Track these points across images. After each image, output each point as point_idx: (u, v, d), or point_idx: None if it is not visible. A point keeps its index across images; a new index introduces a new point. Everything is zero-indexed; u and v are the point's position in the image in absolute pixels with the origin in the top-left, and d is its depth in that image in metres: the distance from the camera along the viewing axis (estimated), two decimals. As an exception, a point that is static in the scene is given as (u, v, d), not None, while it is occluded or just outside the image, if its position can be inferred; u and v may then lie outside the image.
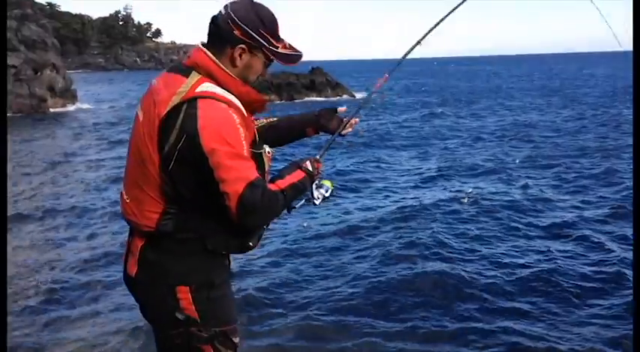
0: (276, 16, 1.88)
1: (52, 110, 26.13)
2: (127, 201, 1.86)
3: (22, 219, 7.64)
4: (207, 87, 1.75)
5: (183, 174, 1.73)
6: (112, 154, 13.66)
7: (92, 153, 14.25)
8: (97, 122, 21.74)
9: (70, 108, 27.75)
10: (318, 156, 2.08)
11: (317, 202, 2.01)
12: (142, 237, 1.85)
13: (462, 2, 2.53)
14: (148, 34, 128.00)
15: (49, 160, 12.71)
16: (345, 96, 33.71)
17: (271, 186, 1.80)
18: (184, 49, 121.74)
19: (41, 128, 19.77)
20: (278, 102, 30.81)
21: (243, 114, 1.79)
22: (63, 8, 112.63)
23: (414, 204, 8.19)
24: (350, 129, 2.27)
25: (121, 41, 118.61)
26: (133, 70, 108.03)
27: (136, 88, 46.50)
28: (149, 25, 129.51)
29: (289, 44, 1.91)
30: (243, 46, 1.80)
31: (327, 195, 2.03)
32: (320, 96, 32.93)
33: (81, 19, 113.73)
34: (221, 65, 1.80)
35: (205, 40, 1.88)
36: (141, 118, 1.80)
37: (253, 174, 1.70)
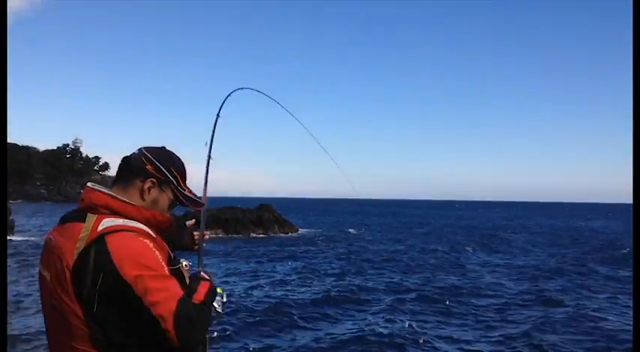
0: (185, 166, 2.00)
1: (-15, 241, 24.97)
2: None
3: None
4: (109, 222, 1.72)
5: (110, 314, 1.65)
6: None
7: (22, 288, 13.56)
8: (30, 253, 20.88)
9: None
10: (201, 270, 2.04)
11: (220, 310, 1.95)
12: None
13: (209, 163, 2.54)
14: (96, 168, 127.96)
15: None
16: (290, 234, 33.96)
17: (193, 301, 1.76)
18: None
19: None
20: (222, 236, 30.69)
21: (153, 237, 1.78)
22: (10, 140, 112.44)
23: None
24: (196, 248, 2.32)
25: (67, 173, 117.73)
26: (77, 202, 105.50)
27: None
28: (97, 158, 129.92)
29: (193, 192, 2.00)
30: (153, 179, 1.87)
31: (224, 300, 2.00)
32: (267, 233, 33.03)
33: (26, 150, 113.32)
34: (118, 196, 1.82)
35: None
36: (48, 277, 1.73)
37: (180, 290, 1.71)
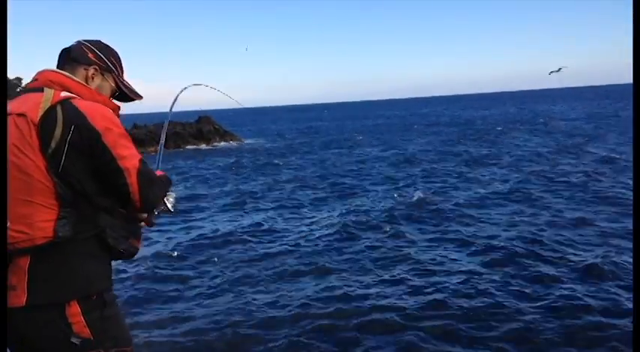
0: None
1: None
2: (9, 225, 1.70)
3: None
4: (68, 94, 1.78)
5: (76, 166, 1.72)
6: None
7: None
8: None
9: None
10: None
11: (172, 208, 2.06)
12: (27, 256, 1.72)
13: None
14: (18, 90, 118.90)
15: None
16: (233, 143, 33.84)
17: None
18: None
19: None
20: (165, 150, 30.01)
21: None
22: None
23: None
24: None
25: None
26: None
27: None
28: (19, 79, 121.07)
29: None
30: (96, 66, 1.94)
31: (173, 200, 2.09)
32: (209, 145, 32.73)
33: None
34: (75, 78, 1.89)
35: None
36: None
37: (140, 154, 1.86)
